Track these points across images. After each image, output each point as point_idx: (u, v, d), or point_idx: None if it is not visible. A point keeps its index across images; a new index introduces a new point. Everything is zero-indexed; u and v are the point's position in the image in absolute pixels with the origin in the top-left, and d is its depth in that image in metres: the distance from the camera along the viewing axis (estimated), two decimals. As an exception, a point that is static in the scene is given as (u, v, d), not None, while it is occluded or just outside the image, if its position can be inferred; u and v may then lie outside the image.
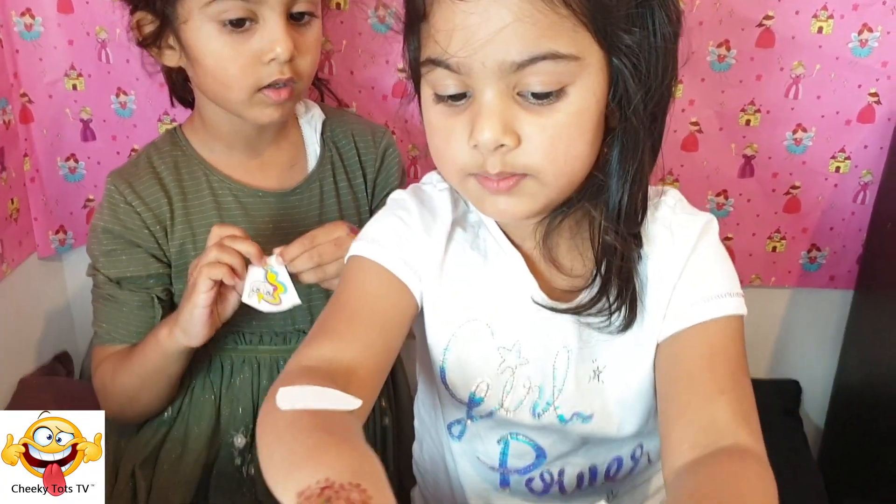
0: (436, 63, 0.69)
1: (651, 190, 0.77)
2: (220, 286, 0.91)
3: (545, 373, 0.81)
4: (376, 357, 0.76)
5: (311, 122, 1.07)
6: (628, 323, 0.77)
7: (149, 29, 0.95)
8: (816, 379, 1.42)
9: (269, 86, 0.93)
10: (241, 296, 0.92)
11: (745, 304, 0.76)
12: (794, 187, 1.26)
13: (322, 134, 1.08)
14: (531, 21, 0.64)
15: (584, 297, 0.78)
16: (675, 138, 1.24)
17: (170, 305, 1.03)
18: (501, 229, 0.81)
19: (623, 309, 0.77)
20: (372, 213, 1.03)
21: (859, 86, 1.19)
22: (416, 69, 0.74)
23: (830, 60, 1.18)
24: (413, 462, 1.00)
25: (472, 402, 0.82)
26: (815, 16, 1.15)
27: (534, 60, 0.65)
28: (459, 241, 0.82)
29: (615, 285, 0.76)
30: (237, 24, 0.89)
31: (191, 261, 0.96)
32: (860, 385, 1.31)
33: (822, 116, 1.21)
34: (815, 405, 1.44)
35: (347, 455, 0.58)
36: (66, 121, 1.27)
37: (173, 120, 1.25)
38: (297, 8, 0.92)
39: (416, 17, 0.71)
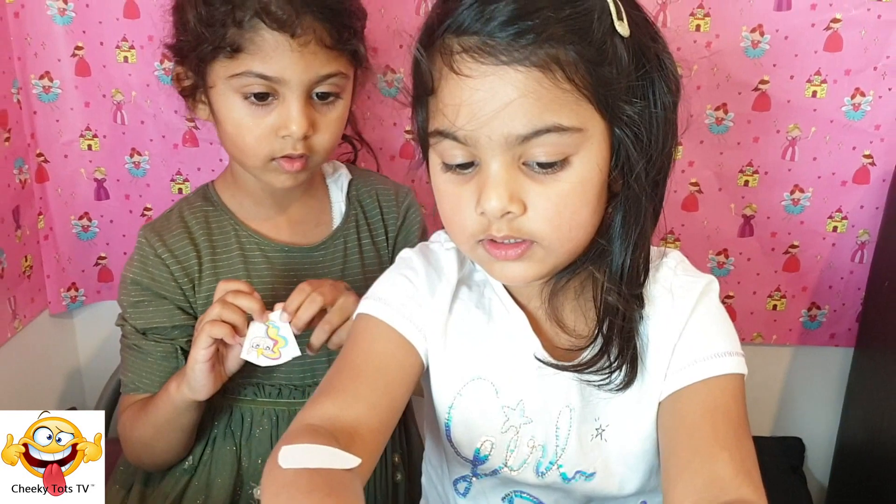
0: (444, 135, 0.71)
1: (653, 251, 0.79)
2: (222, 343, 0.93)
3: (548, 431, 0.82)
4: (380, 416, 0.77)
5: (338, 182, 1.11)
6: (629, 381, 0.78)
7: (186, 83, 0.99)
8: (820, 436, 1.42)
9: (283, 157, 0.96)
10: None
11: (745, 364, 0.77)
12: (792, 246, 1.29)
13: (348, 193, 1.11)
14: (535, 96, 0.67)
15: (585, 355, 0.79)
16: (675, 198, 1.27)
17: None
18: (507, 289, 0.83)
19: (624, 367, 0.78)
20: None
21: (854, 148, 1.22)
22: (424, 138, 0.76)
23: (825, 123, 1.21)
24: (420, 518, 1.00)
25: (477, 460, 0.84)
26: (808, 80, 1.19)
27: (538, 133, 0.68)
28: (464, 299, 0.84)
29: (616, 344, 0.78)
30: (259, 97, 0.93)
31: None
32: (863, 442, 1.31)
33: (819, 177, 1.24)
34: (818, 462, 1.44)
35: None
36: (80, 180, 1.30)
37: (185, 180, 1.29)
38: (319, 89, 0.95)
39: (424, 90, 0.74)
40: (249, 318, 0.92)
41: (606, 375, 0.78)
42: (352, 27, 0.97)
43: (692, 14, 1.17)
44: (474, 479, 0.86)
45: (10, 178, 1.22)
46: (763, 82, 1.20)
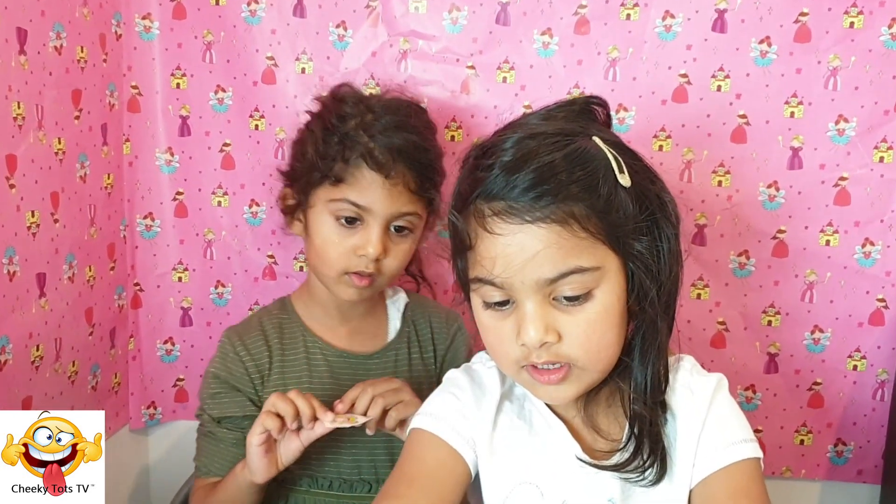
0: (483, 281, 0.85)
1: (670, 358, 0.91)
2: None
3: None
4: None
5: (396, 304, 1.27)
6: (660, 477, 0.88)
7: (289, 202, 1.19)
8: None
9: (356, 272, 1.13)
10: (303, 444, 1.07)
11: (760, 448, 0.88)
12: (816, 384, 1.38)
13: (404, 313, 1.27)
14: (557, 246, 0.81)
15: (619, 456, 0.89)
16: (704, 336, 1.38)
17: None
18: (545, 402, 0.94)
19: (655, 465, 0.88)
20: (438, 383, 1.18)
21: (867, 292, 1.34)
22: (465, 282, 0.90)
23: (839, 269, 1.34)
24: None
25: None
26: (822, 231, 1.33)
27: (563, 276, 0.81)
28: (507, 412, 0.95)
29: (647, 445, 0.88)
30: (349, 221, 1.12)
31: None
32: (895, 580, 1.35)
33: (837, 319, 1.35)
34: None
35: None
36: (168, 308, 1.46)
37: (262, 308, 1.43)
38: (397, 223, 1.14)
39: (463, 246, 0.87)
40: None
41: (640, 472, 0.88)
42: (433, 180, 1.17)
43: (714, 171, 1.33)
44: None
45: (111, 303, 1.38)
46: (780, 232, 1.34)
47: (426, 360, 1.26)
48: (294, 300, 1.26)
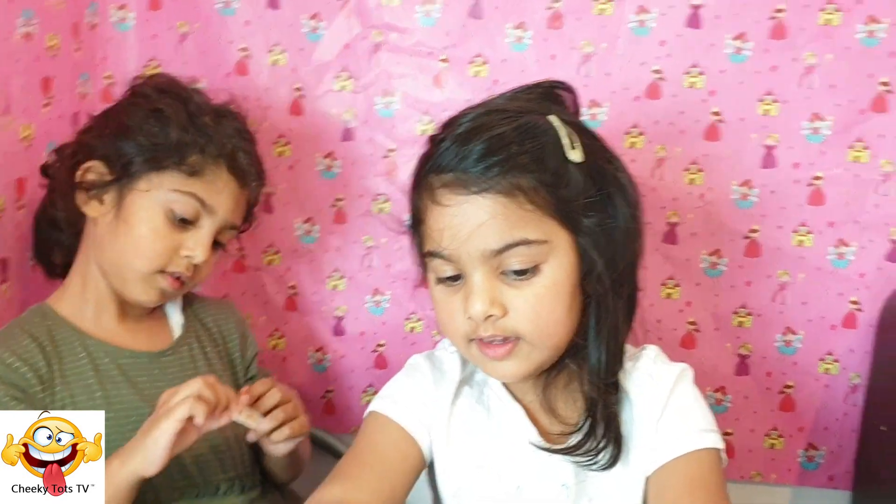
0: (433, 255, 0.87)
1: (633, 348, 0.93)
2: (189, 421, 0.93)
3: None
4: (382, 502, 0.88)
5: (171, 300, 1.18)
6: (613, 461, 0.89)
7: (91, 177, 1.09)
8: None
9: (171, 273, 1.07)
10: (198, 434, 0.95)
11: (721, 440, 0.88)
12: (787, 386, 1.36)
13: (182, 309, 1.19)
14: (503, 217, 0.82)
15: (575, 439, 0.89)
16: (674, 336, 1.37)
17: None
18: (504, 386, 0.95)
19: (609, 447, 0.88)
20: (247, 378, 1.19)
21: (840, 294, 1.32)
22: (421, 258, 0.92)
23: (812, 270, 1.32)
24: None
25: None
26: (795, 231, 1.31)
27: (509, 247, 0.82)
28: (466, 397, 0.96)
29: (601, 427, 0.88)
30: (182, 220, 1.07)
31: None
32: (864, 587, 1.33)
33: (809, 321, 1.33)
34: None
35: None
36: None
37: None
38: (222, 235, 1.11)
39: (416, 220, 0.91)
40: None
41: (593, 455, 0.88)
42: (258, 201, 1.19)
43: (686, 169, 1.32)
44: None
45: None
46: (753, 231, 1.32)
47: (220, 353, 1.20)
48: (54, 305, 1.11)
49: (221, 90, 1.23)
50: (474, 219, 0.82)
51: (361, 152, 1.38)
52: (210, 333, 1.21)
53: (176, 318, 1.18)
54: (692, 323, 1.37)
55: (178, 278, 1.08)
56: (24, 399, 0.99)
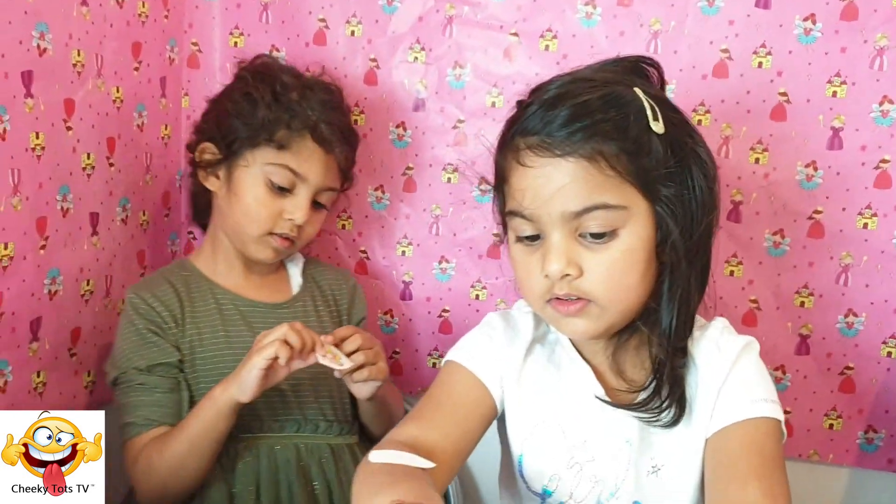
0: (515, 214, 0.91)
1: (703, 319, 0.96)
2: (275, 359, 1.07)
3: (609, 465, 0.94)
4: (454, 444, 0.93)
5: (295, 263, 1.36)
6: (676, 419, 0.92)
7: (207, 157, 1.25)
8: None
9: (279, 234, 1.23)
10: (289, 372, 1.10)
11: (781, 411, 0.90)
12: (848, 368, 1.36)
13: (303, 271, 1.35)
14: (584, 181, 0.86)
15: (640, 397, 0.93)
16: (735, 314, 1.38)
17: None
18: (574, 346, 0.99)
19: (673, 407, 0.92)
20: None
21: (904, 278, 1.32)
22: (503, 218, 0.96)
23: (876, 253, 1.31)
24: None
25: (545, 495, 0.97)
26: (860, 213, 1.31)
27: (588, 210, 0.86)
28: (537, 354, 1.01)
29: (666, 387, 0.92)
30: (281, 188, 1.21)
31: (199, 359, 1.20)
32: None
33: (872, 303, 1.33)
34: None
35: (417, 487, 0.76)
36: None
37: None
38: (321, 197, 1.25)
39: (500, 180, 0.95)
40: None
41: (657, 413, 0.92)
42: (354, 162, 1.32)
43: (752, 148, 1.33)
44: None
45: (164, 248, 1.48)
46: (817, 212, 1.32)
47: (332, 312, 1.34)
48: (193, 261, 1.31)
49: (313, 63, 1.35)
50: (556, 180, 0.86)
51: (432, 123, 1.43)
52: (324, 295, 1.34)
53: (296, 278, 1.34)
54: (754, 301, 1.38)
55: (286, 238, 1.23)
56: (159, 332, 1.19)
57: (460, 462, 0.94)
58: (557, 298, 0.90)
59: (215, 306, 1.25)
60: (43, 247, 1.14)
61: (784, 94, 1.30)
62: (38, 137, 1.11)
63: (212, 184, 1.26)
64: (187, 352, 1.20)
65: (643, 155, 0.87)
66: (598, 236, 0.87)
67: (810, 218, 1.33)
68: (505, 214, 0.94)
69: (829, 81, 1.29)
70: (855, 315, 1.35)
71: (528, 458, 0.97)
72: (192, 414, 1.13)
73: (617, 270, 0.87)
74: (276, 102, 1.20)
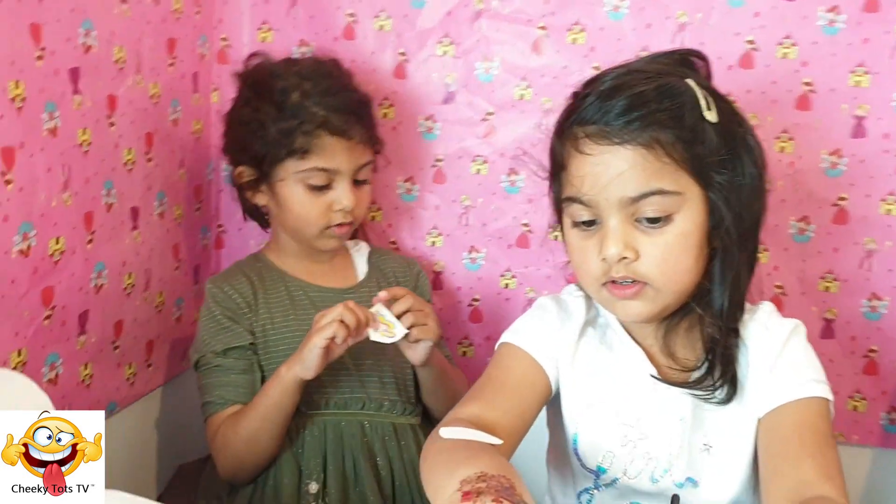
0: (573, 200, 0.94)
1: (750, 304, 0.99)
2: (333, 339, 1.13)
3: (663, 442, 0.97)
4: (512, 422, 0.96)
5: (360, 252, 1.41)
6: (729, 397, 0.96)
7: (247, 179, 1.31)
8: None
9: (336, 224, 1.28)
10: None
11: (830, 391, 0.94)
12: (871, 351, 1.40)
13: (368, 259, 1.40)
14: (642, 167, 0.89)
15: (693, 376, 0.97)
16: (761, 299, 1.40)
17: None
18: (625, 329, 1.02)
19: (726, 385, 0.95)
20: None
21: (927, 262, 1.35)
22: (558, 204, 0.99)
23: (899, 239, 1.35)
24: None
25: (599, 472, 1.00)
26: (883, 199, 1.34)
27: (645, 196, 0.89)
28: (590, 336, 1.04)
29: (719, 367, 0.95)
30: (319, 187, 1.26)
31: (271, 341, 1.27)
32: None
33: (894, 287, 1.36)
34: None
35: (497, 461, 0.78)
36: (248, 250, 1.53)
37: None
38: (359, 176, 1.29)
39: (558, 167, 0.97)
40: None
41: (711, 391, 0.95)
42: (374, 123, 1.32)
43: (777, 137, 1.36)
44: (596, 491, 1.01)
45: (196, 242, 1.50)
46: (841, 199, 1.35)
47: None
48: (265, 254, 1.38)
49: (329, 51, 1.36)
50: (615, 167, 0.89)
51: (461, 115, 1.45)
52: (388, 280, 1.39)
53: (362, 266, 1.39)
54: (779, 287, 1.41)
55: (342, 225, 1.28)
56: (234, 318, 1.27)
57: (518, 441, 0.97)
58: (613, 282, 0.93)
59: (286, 293, 1.32)
60: (90, 241, 1.15)
61: (808, 83, 1.33)
62: (84, 133, 1.12)
63: (260, 199, 1.32)
64: (260, 335, 1.27)
65: (698, 143, 0.90)
66: (653, 221, 0.90)
67: (835, 205, 1.36)
68: (562, 201, 0.97)
69: (853, 71, 1.32)
70: (878, 299, 1.38)
71: (582, 436, 1.00)
72: (262, 392, 1.19)
73: (672, 254, 0.91)
74: (281, 113, 1.23)
